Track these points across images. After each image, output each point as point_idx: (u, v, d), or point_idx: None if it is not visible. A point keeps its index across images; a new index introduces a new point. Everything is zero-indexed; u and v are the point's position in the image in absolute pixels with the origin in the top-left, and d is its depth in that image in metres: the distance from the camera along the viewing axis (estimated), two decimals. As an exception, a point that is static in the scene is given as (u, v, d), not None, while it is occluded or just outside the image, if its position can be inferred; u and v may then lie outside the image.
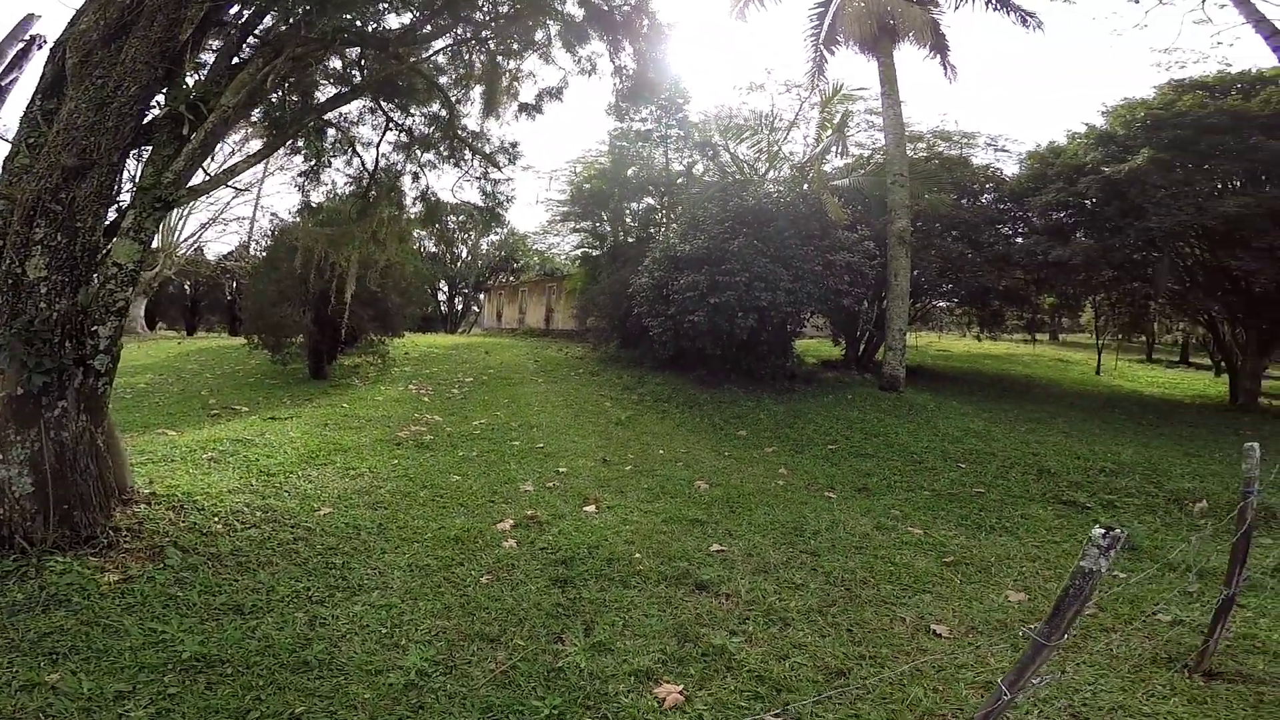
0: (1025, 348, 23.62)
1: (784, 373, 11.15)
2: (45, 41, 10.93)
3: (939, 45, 12.52)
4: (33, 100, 3.97)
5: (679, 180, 18.54)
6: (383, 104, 6.36)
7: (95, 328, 3.56)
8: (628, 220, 19.99)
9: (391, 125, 6.65)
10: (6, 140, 3.97)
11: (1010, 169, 15.00)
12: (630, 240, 19.32)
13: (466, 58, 6.41)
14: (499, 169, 6.68)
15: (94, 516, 3.72)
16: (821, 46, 12.99)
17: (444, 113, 6.60)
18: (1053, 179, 12.67)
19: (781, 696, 2.81)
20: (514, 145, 6.99)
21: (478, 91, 6.72)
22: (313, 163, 7.14)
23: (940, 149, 15.23)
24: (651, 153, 19.00)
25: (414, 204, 6.76)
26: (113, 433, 3.96)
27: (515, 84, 6.66)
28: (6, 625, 2.98)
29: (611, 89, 6.48)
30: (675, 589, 3.75)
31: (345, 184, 7.20)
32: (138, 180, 4.01)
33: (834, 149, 13.89)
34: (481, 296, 38.35)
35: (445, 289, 37.23)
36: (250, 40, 4.70)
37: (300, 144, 6.61)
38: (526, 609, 3.42)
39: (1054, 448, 7.98)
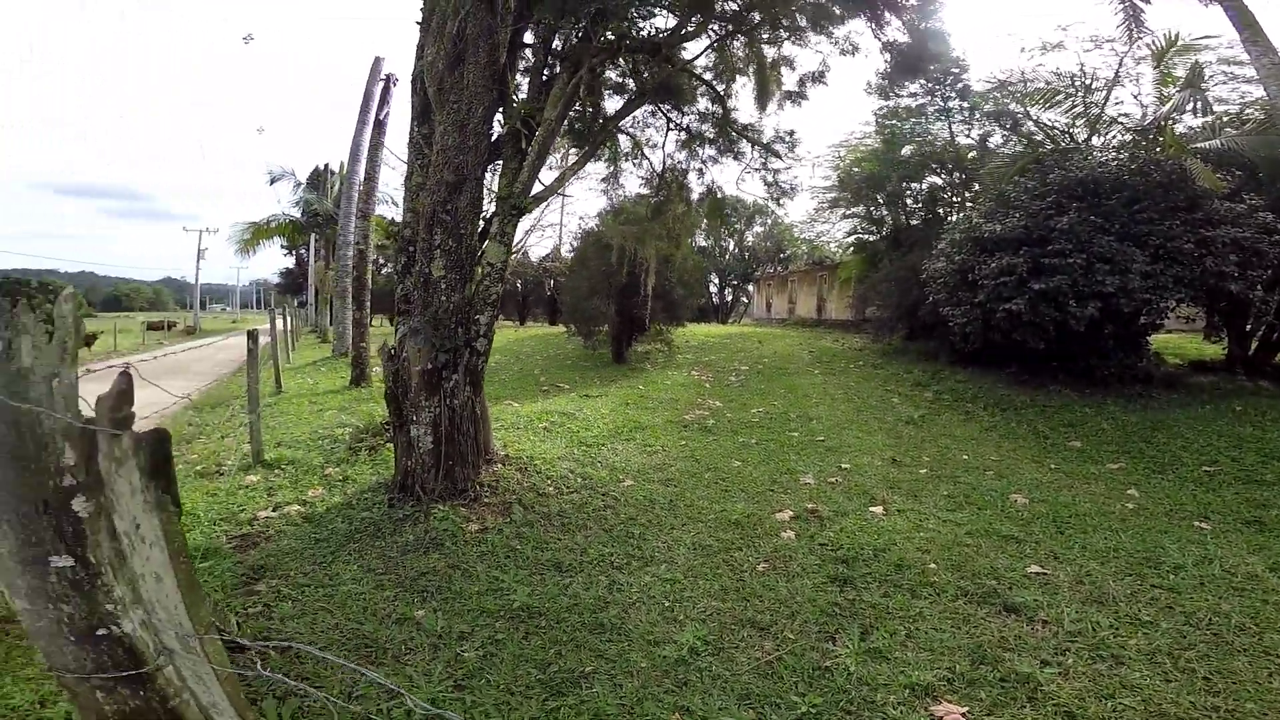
0: None
1: (1135, 374, 9.04)
2: (397, 79, 13.95)
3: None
4: (412, 127, 4.69)
5: (969, 155, 16.41)
6: (661, 106, 6.70)
7: (477, 316, 4.36)
8: (909, 202, 18.37)
9: (672, 126, 7.08)
10: (402, 160, 4.93)
11: None
12: (914, 223, 17.74)
13: (730, 51, 6.45)
14: (779, 158, 6.64)
15: (468, 473, 4.47)
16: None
17: (716, 108, 6.75)
18: None
19: (1095, 737, 2.32)
20: (791, 133, 6.88)
21: (739, 84, 6.76)
22: (611, 168, 7.98)
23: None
24: (928, 128, 17.17)
25: (701, 199, 7.08)
26: (484, 403, 4.88)
27: (778, 72, 6.54)
28: (398, 563, 3.59)
29: (876, 68, 6.02)
30: (977, 607, 3.34)
31: (639, 185, 7.90)
32: (496, 191, 4.67)
33: (1187, 106, 10.91)
34: (750, 287, 38.90)
35: (715, 280, 38.62)
36: (549, 59, 5.14)
37: (599, 151, 7.39)
38: (800, 603, 3.34)
39: None
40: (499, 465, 5.13)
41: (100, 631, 1.24)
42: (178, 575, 1.19)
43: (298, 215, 29.03)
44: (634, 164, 7.36)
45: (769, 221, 35.54)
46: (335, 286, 16.27)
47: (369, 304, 12.41)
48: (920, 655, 2.89)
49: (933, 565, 3.79)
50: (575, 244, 18.52)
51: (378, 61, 14.61)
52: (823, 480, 5.55)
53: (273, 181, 28.68)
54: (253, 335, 5.98)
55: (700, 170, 7.08)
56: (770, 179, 6.86)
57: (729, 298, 40.05)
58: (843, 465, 6.03)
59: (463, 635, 2.94)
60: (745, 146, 6.71)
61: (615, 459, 5.91)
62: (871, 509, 4.81)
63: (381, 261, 26.58)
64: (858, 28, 5.88)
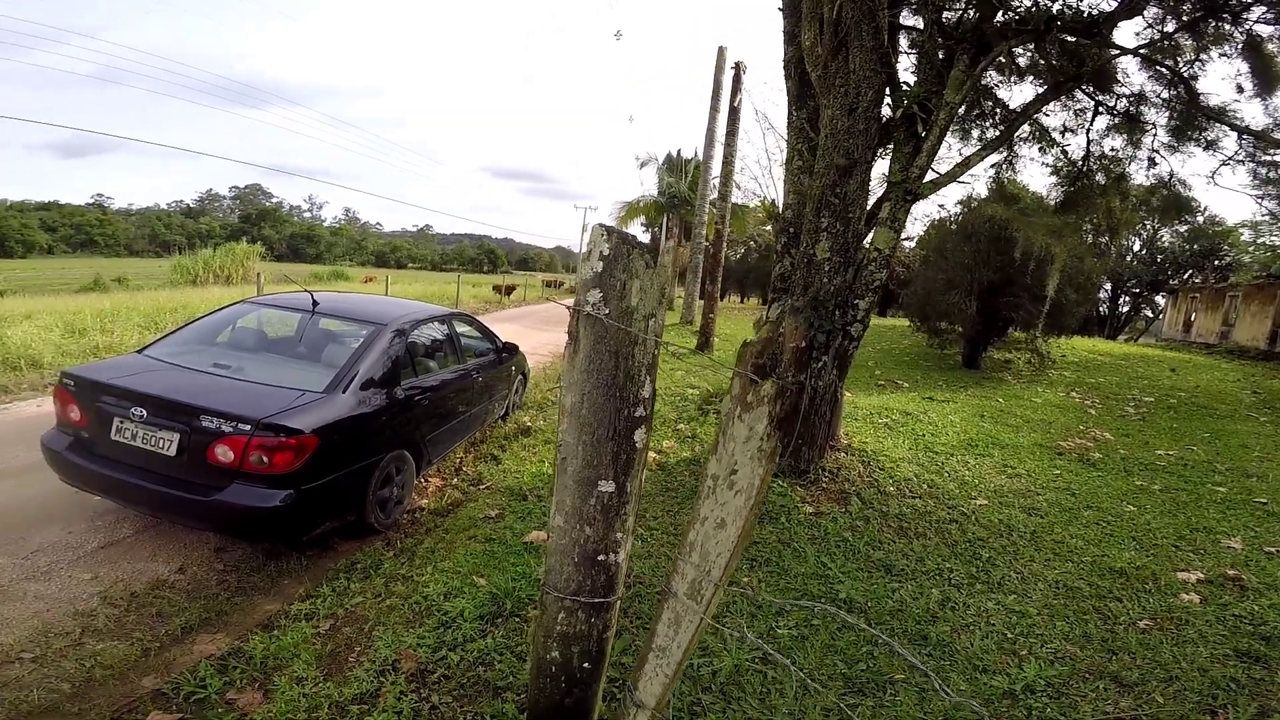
0: None
1: None
2: (745, 67, 14.10)
3: None
4: (790, 112, 4.73)
5: None
6: (1084, 88, 5.77)
7: (856, 300, 4.35)
8: None
9: (1101, 109, 5.95)
10: (782, 142, 4.96)
11: None
12: None
13: (1202, 30, 5.10)
14: None
15: (813, 455, 4.55)
16: None
17: (1171, 91, 5.51)
18: None
19: None
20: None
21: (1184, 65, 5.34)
22: (1005, 154, 7.10)
23: None
24: None
25: (1152, 191, 5.87)
26: (843, 389, 4.92)
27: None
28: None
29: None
30: None
31: (1047, 174, 6.92)
32: (887, 175, 4.50)
33: None
34: (1159, 299, 30.77)
35: (1107, 286, 31.47)
36: (941, 40, 4.71)
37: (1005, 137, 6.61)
38: (1184, 669, 2.80)
39: None
40: (842, 454, 5.14)
41: (600, 557, 1.31)
42: (744, 524, 1.18)
43: (657, 196, 32.62)
44: (1041, 149, 6.46)
45: (1200, 218, 27.46)
46: (690, 261, 17.96)
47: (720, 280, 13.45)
48: (1327, 748, 2.28)
49: (1402, 662, 2.86)
50: (922, 232, 16.95)
51: (722, 51, 15.28)
52: (1255, 547, 4.37)
53: (641, 165, 32.69)
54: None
55: (1152, 160, 5.89)
56: (1264, 174, 5.35)
57: (1124, 308, 32.34)
58: (1293, 536, 4.61)
59: (780, 611, 3.02)
60: (1220, 134, 5.33)
61: (966, 473, 5.45)
62: (1326, 590, 3.67)
63: (731, 242, 28.23)
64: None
